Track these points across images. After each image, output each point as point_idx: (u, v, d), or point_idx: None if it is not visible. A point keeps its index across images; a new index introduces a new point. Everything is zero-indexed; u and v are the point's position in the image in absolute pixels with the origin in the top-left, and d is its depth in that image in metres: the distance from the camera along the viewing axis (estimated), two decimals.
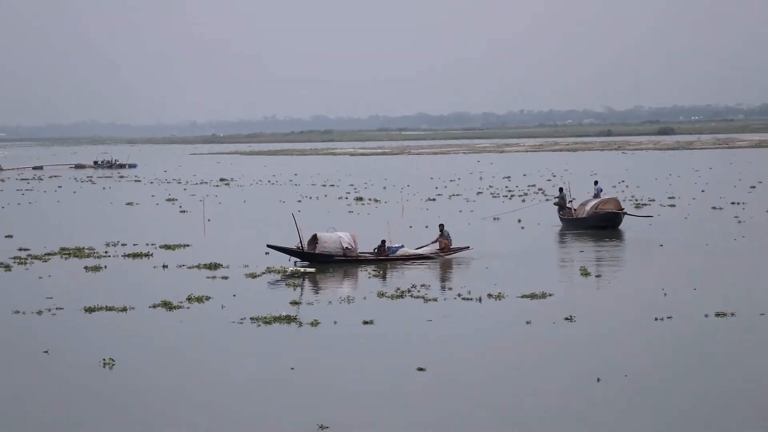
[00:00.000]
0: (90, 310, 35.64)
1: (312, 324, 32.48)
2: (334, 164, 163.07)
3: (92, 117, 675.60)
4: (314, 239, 46.16)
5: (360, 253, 45.97)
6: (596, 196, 62.52)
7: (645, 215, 62.96)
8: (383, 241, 46.49)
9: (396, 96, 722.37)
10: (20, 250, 52.45)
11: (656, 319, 32.22)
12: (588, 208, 59.53)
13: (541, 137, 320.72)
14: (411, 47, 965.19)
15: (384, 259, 45.75)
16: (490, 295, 36.53)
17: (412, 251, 46.53)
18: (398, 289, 38.26)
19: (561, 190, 63.83)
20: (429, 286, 39.06)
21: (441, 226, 47.83)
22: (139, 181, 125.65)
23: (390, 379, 25.96)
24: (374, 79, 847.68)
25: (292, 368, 27.13)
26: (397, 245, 46.70)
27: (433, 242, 47.27)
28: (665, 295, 36.37)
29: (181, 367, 27.79)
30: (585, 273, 41.44)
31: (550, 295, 36.43)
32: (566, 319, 32.26)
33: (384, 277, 42.04)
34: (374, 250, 46.23)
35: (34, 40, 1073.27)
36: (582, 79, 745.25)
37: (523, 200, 80.00)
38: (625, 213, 60.18)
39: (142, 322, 34.00)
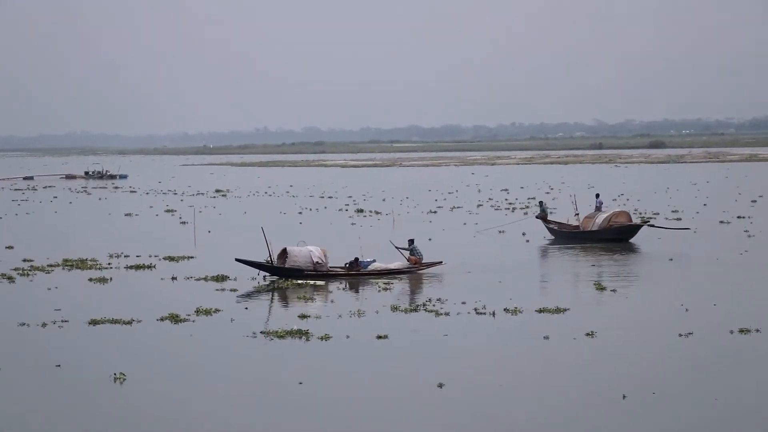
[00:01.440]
0: (97, 322, 35.23)
1: (323, 338, 31.97)
2: (328, 176, 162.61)
3: (84, 128, 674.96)
4: (284, 253, 45.20)
5: (331, 267, 45.10)
6: (598, 209, 62.38)
7: (682, 227, 62.99)
8: (356, 258, 45.62)
9: (387, 108, 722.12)
10: (24, 261, 51.94)
11: (680, 335, 31.77)
12: (599, 221, 59.32)
13: (532, 150, 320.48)
14: (402, 60, 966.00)
15: (355, 274, 44.87)
16: (506, 310, 36.07)
17: (384, 266, 45.64)
18: (412, 303, 37.74)
19: (541, 203, 65.23)
20: (443, 300, 38.48)
21: (410, 241, 47.02)
22: (135, 192, 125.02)
23: (409, 396, 25.48)
24: (366, 92, 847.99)
25: (300, 383, 26.70)
26: (368, 260, 45.85)
27: (402, 248, 46.61)
28: (687, 311, 35.94)
29: (192, 382, 27.31)
30: (600, 288, 40.95)
31: (566, 310, 36.00)
32: (587, 334, 31.79)
33: (390, 290, 41.51)
34: (345, 264, 45.36)
35: (25, 50, 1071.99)
36: (573, 92, 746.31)
37: (525, 213, 79.55)
38: (651, 225, 60.68)
39: (150, 335, 33.53)
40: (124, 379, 27.18)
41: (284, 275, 44.60)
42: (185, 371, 28.46)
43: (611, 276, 45.01)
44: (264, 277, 45.03)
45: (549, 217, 63.79)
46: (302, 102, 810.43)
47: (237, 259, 46.38)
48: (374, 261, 45.83)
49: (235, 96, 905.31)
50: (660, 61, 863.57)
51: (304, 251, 44.93)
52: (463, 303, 37.59)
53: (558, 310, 35.85)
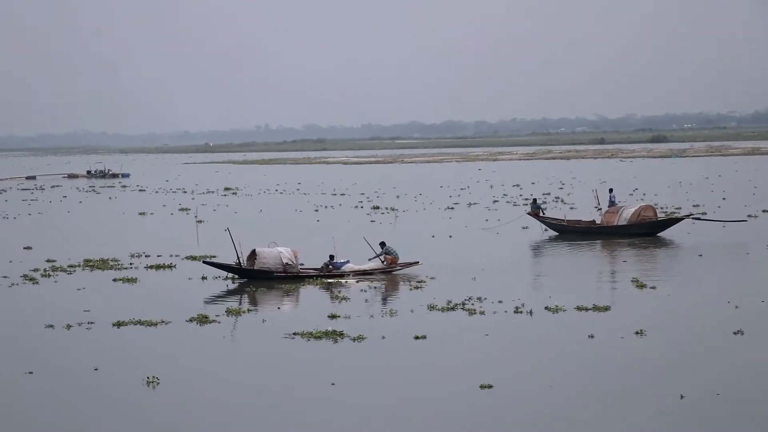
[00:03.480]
0: (125, 324, 34.71)
1: (357, 339, 31.29)
2: (334, 173, 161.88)
3: (84, 127, 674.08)
4: (253, 255, 44.18)
5: (302, 269, 44.06)
6: (612, 203, 61.87)
7: (737, 219, 62.59)
8: (331, 257, 44.56)
9: (388, 105, 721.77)
10: (47, 261, 51.30)
11: (734, 333, 31.03)
12: (626, 215, 58.72)
13: (534, 145, 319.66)
14: (403, 56, 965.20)
15: (327, 275, 43.78)
16: (547, 308, 35.29)
17: (358, 267, 44.54)
18: (450, 301, 36.92)
19: (535, 200, 66.04)
20: (481, 299, 37.67)
21: (382, 243, 45.69)
22: (144, 190, 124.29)
23: (452, 398, 24.85)
24: (366, 88, 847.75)
25: (332, 383, 26.21)
26: (342, 261, 44.67)
27: (375, 257, 45.27)
28: (736, 308, 35.17)
29: (226, 385, 26.68)
30: (640, 285, 40.12)
31: (608, 308, 35.24)
32: (636, 333, 31.05)
33: (422, 289, 40.69)
34: (324, 264, 44.25)
35: (24, 49, 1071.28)
36: (574, 87, 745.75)
37: (544, 210, 78.33)
38: (698, 218, 60.61)
39: (181, 337, 32.97)
40: (158, 383, 26.55)
41: (253, 277, 43.54)
42: (219, 373, 27.85)
43: (647, 272, 44.16)
44: (233, 279, 43.98)
45: (546, 213, 63.82)
46: (303, 99, 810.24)
47: (205, 262, 45.84)
48: (347, 262, 44.58)
49: (235, 94, 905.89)
50: (661, 54, 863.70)
51: (274, 252, 43.85)
52: (500, 302, 36.82)
53: (599, 308, 35.14)
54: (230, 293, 41.23)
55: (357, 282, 42.80)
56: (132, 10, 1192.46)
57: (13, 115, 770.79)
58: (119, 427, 23.32)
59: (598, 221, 60.60)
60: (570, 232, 60.17)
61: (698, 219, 60.72)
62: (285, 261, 43.55)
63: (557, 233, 60.77)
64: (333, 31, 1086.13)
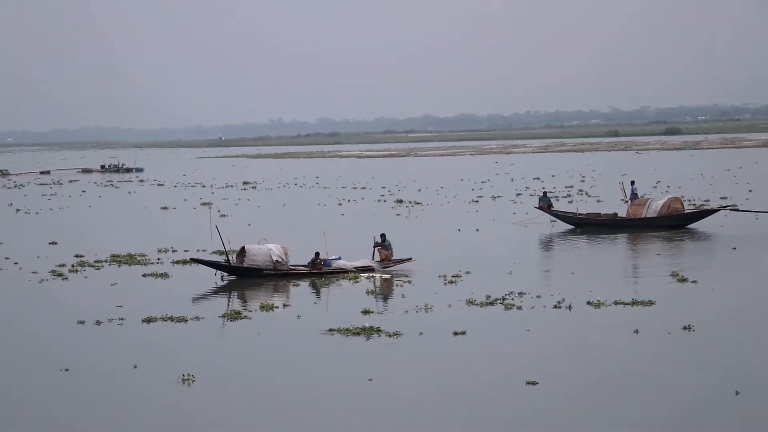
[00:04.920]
0: (155, 320, 34.37)
1: (394, 335, 30.77)
2: (351, 167, 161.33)
3: (97, 122, 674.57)
4: (242, 252, 43.41)
5: (292, 266, 43.28)
6: (634, 195, 61.15)
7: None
8: (317, 253, 43.82)
9: (401, 98, 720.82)
10: (76, 257, 51.03)
11: None
12: (655, 207, 58.32)
13: (547, 138, 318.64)
14: (417, 49, 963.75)
15: (318, 273, 43.00)
16: (589, 303, 34.69)
17: (350, 264, 43.60)
18: (489, 296, 36.33)
19: (545, 193, 66.64)
20: (520, 293, 37.06)
21: (383, 235, 44.80)
22: (162, 185, 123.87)
23: (497, 394, 24.40)
24: (379, 82, 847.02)
25: (369, 379, 25.91)
26: (333, 257, 43.80)
27: (373, 252, 44.39)
28: None
29: (263, 382, 26.29)
30: (681, 279, 39.48)
31: (651, 302, 34.58)
32: (684, 328, 30.46)
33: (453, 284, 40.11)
34: (309, 263, 43.52)
35: (38, 44, 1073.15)
36: (588, 79, 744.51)
37: (570, 202, 77.96)
38: (735, 208, 60.44)
39: (215, 333, 32.61)
40: (193, 380, 26.11)
41: (243, 275, 42.87)
42: (256, 371, 27.43)
43: (685, 266, 43.45)
44: (222, 277, 43.31)
45: (554, 207, 63.70)
46: (316, 93, 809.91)
47: (193, 259, 45.51)
48: (339, 258, 43.70)
49: (249, 88, 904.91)
50: (675, 46, 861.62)
51: (264, 249, 43.08)
52: (538, 297, 36.25)
53: (642, 303, 34.53)
54: (260, 289, 40.72)
55: (352, 282, 41.73)
56: (146, 5, 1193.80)
57: (27, 111, 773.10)
58: (158, 425, 22.94)
59: (621, 214, 59.95)
60: (591, 225, 59.43)
61: (735, 210, 60.37)
62: (275, 258, 42.82)
63: (573, 226, 59.97)
64: (347, 24, 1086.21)
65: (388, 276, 42.67)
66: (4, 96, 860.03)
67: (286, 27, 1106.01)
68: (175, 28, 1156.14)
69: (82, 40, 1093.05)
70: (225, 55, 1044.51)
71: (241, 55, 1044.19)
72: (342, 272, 42.98)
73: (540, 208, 63.35)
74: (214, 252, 51.02)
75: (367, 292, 38.78)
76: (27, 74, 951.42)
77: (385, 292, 38.99)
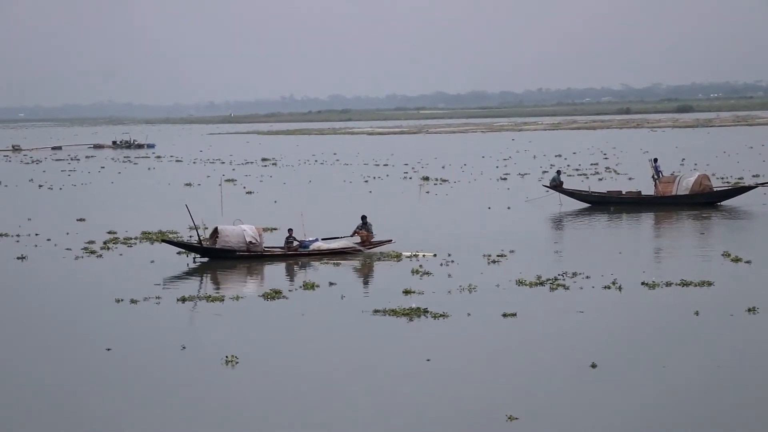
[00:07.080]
0: (196, 299, 33.79)
1: (440, 316, 29.94)
2: (368, 143, 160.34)
3: (109, 97, 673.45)
4: (215, 233, 42.26)
5: (266, 248, 42.27)
6: (657, 172, 60.01)
7: None
8: (290, 230, 42.82)
9: (413, 75, 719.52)
10: (108, 233, 50.50)
11: None
12: (686, 184, 57.55)
13: (559, 116, 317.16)
14: (427, 25, 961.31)
15: (293, 254, 41.96)
16: (644, 283, 33.76)
17: (327, 246, 42.49)
18: (539, 276, 35.36)
19: (558, 172, 64.78)
20: (577, 273, 36.04)
21: (363, 217, 43.65)
22: (180, 161, 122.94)
23: (560, 376, 23.62)
24: (390, 58, 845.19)
25: (427, 359, 25.31)
26: (310, 239, 42.66)
27: (351, 235, 43.36)
28: None
29: (311, 363, 25.53)
30: (735, 259, 38.48)
31: (709, 283, 33.64)
32: (748, 310, 29.55)
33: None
34: (285, 244, 42.41)
35: (49, 20, 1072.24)
36: (599, 57, 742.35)
37: (600, 179, 76.96)
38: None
39: (257, 312, 31.89)
40: (237, 362, 25.38)
41: (215, 256, 41.75)
42: (300, 352, 26.70)
43: (734, 245, 42.05)
44: (194, 258, 42.27)
45: (564, 185, 62.10)
46: (327, 69, 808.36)
47: (163, 240, 44.88)
48: (316, 240, 42.61)
49: (260, 64, 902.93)
50: (687, 24, 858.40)
51: (237, 230, 41.90)
52: (587, 277, 35.30)
53: (699, 284, 33.61)
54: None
55: (329, 263, 40.76)
56: None
57: (39, 86, 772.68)
58: (205, 406, 22.22)
59: (644, 192, 59.07)
60: (611, 203, 58.21)
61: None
62: (248, 239, 41.71)
63: (589, 204, 58.77)
64: (357, 1, 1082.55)
65: (427, 255, 41.69)
66: (15, 71, 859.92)
67: (298, 3, 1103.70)
68: (187, 4, 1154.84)
69: (94, 15, 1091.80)
70: (237, 31, 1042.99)
71: (253, 32, 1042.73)
72: (319, 254, 41.89)
73: (552, 186, 61.87)
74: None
75: (412, 272, 37.83)
76: (38, 49, 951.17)
77: (427, 270, 38.03)
